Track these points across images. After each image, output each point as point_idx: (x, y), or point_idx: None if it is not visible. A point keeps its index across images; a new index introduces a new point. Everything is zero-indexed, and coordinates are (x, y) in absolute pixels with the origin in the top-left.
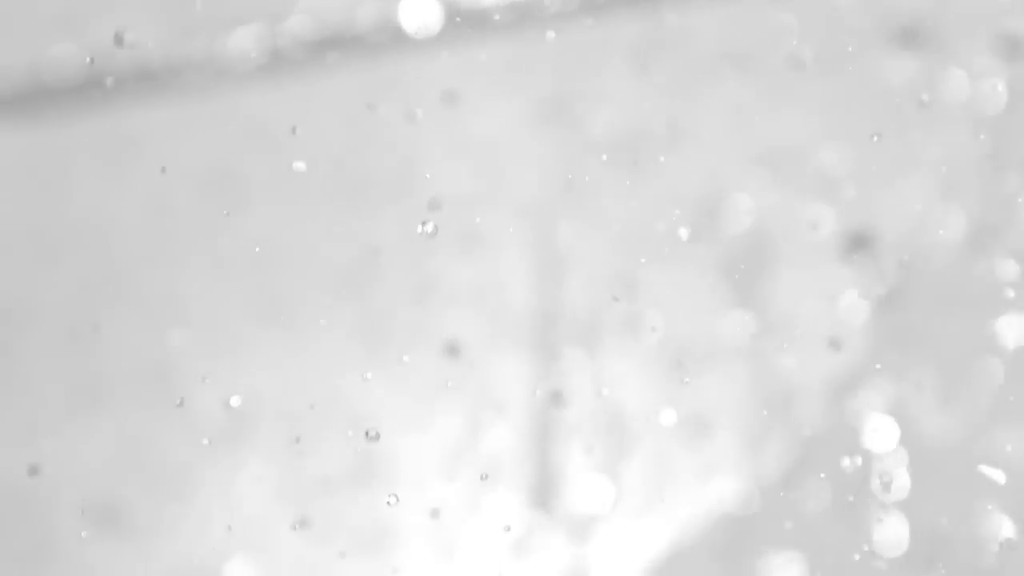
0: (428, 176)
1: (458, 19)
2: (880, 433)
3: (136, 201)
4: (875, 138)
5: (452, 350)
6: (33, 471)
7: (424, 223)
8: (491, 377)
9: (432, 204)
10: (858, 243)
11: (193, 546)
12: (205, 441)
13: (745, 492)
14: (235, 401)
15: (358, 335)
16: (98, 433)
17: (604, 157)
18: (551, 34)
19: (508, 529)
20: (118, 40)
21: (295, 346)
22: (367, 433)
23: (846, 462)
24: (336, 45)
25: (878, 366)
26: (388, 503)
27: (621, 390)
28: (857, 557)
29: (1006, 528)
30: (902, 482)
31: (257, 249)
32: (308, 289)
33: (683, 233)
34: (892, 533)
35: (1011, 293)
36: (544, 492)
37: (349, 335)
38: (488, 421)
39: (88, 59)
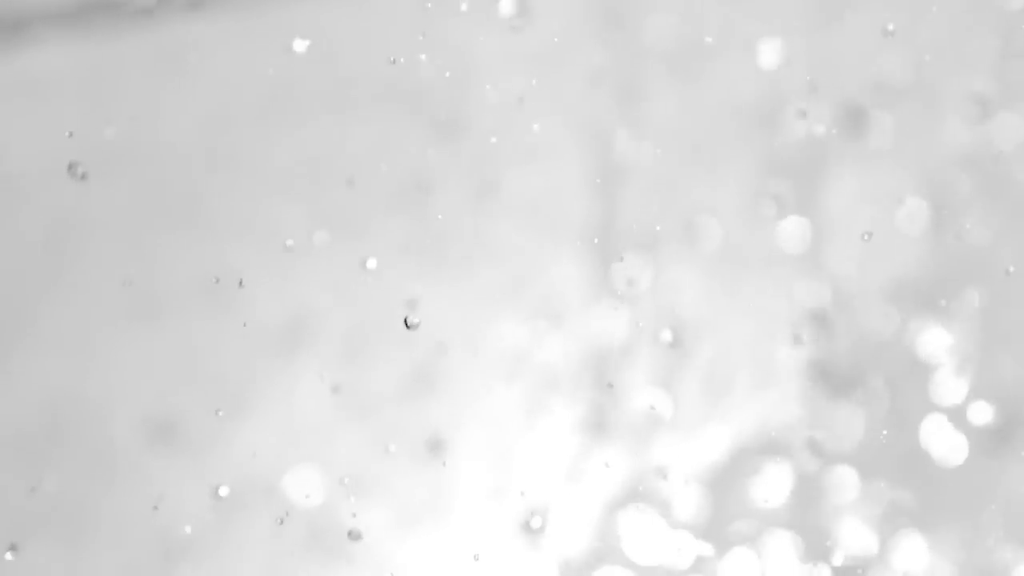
0: (487, 87)
1: None
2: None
3: (189, 116)
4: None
5: (510, 257)
6: (91, 384)
7: (480, 135)
8: (549, 286)
9: (488, 112)
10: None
11: (252, 458)
12: (262, 352)
13: (808, 397)
14: (294, 314)
15: (414, 247)
16: (156, 345)
17: (659, 65)
18: None
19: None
20: None
21: (354, 257)
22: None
23: (899, 370)
24: None
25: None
26: (448, 411)
27: (679, 299)
28: (913, 462)
29: None
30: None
31: (314, 160)
32: (366, 200)
33: (737, 140)
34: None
35: None
36: (602, 403)
37: (404, 249)
38: (545, 329)
39: None
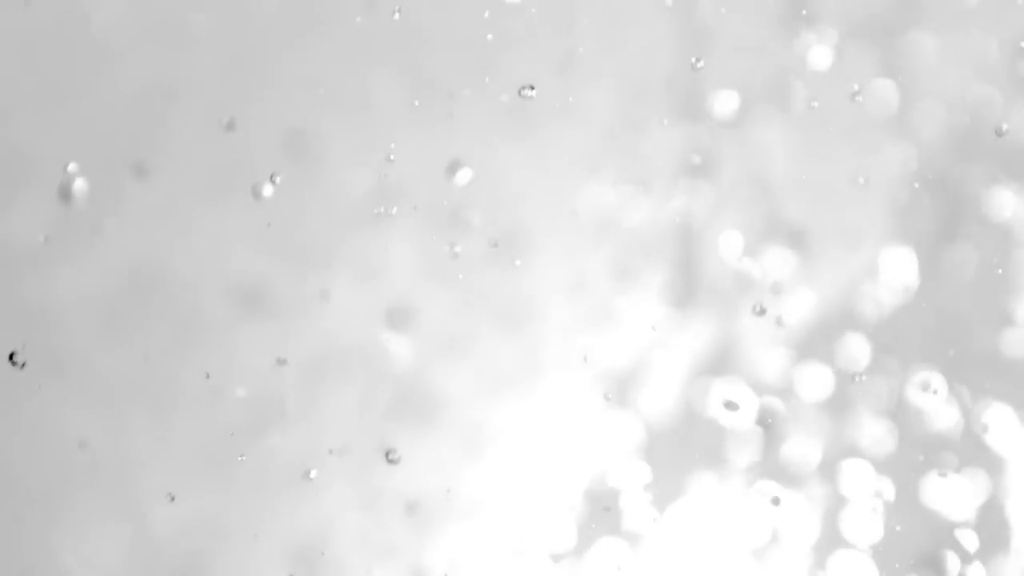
0: None
1: None
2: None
3: None
4: None
5: (596, 121)
6: (178, 254)
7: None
8: (635, 149)
9: None
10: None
11: (341, 325)
12: (350, 219)
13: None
14: (380, 175)
15: (496, 109)
16: (240, 214)
17: None
18: None
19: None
20: None
21: (435, 122)
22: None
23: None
24: None
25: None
26: (535, 276)
27: (766, 160)
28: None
29: None
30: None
31: (398, 24)
32: (449, 64)
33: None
34: None
35: None
36: (688, 269)
37: (488, 113)
38: (632, 194)
39: None
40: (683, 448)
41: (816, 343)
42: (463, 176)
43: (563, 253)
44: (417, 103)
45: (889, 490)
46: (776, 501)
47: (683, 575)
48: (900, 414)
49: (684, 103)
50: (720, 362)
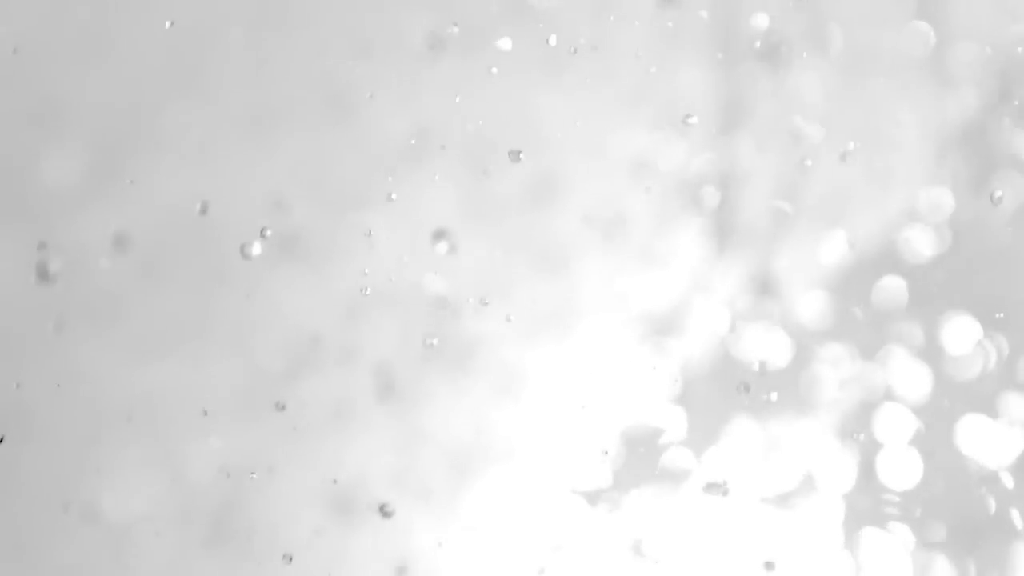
0: None
1: None
2: None
3: None
4: None
5: (632, 64)
6: (204, 207)
7: None
8: (673, 91)
9: None
10: None
11: (377, 265)
12: (382, 162)
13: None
14: (419, 123)
15: (534, 58)
16: (272, 157)
17: None
18: None
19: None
20: None
21: (480, 65)
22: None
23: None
24: None
25: None
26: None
27: (801, 109)
28: None
29: None
30: None
31: None
32: (486, 10)
33: None
34: None
35: None
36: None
37: (522, 61)
38: (669, 137)
39: None
40: (719, 391)
41: (853, 285)
42: (500, 119)
43: (600, 195)
44: (454, 46)
45: (925, 435)
46: (811, 446)
47: (718, 519)
48: (936, 358)
49: (722, 45)
50: (757, 304)
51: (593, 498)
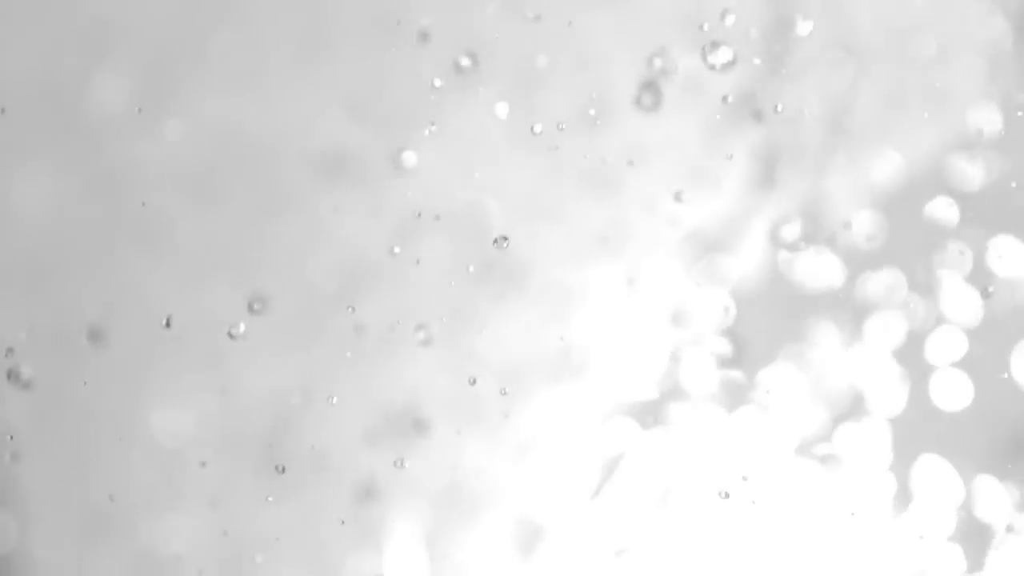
0: None
1: None
2: None
3: None
4: None
5: None
6: (263, 120)
7: None
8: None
9: None
10: None
11: (427, 190)
12: (438, 83)
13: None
14: (466, 49)
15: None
16: (326, 81)
17: None
18: None
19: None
20: None
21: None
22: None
23: None
24: None
25: None
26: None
27: (852, 23)
28: None
29: None
30: None
31: None
32: None
33: None
34: None
35: None
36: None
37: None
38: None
39: None
40: (770, 316)
41: (903, 206)
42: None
43: (649, 118)
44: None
45: (977, 360)
46: (862, 372)
47: (770, 443)
48: (986, 282)
49: None
50: (808, 227)
51: (644, 418)
